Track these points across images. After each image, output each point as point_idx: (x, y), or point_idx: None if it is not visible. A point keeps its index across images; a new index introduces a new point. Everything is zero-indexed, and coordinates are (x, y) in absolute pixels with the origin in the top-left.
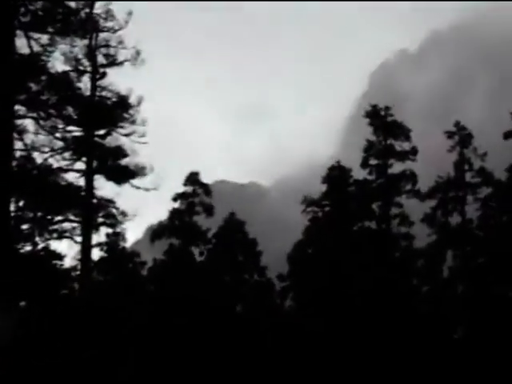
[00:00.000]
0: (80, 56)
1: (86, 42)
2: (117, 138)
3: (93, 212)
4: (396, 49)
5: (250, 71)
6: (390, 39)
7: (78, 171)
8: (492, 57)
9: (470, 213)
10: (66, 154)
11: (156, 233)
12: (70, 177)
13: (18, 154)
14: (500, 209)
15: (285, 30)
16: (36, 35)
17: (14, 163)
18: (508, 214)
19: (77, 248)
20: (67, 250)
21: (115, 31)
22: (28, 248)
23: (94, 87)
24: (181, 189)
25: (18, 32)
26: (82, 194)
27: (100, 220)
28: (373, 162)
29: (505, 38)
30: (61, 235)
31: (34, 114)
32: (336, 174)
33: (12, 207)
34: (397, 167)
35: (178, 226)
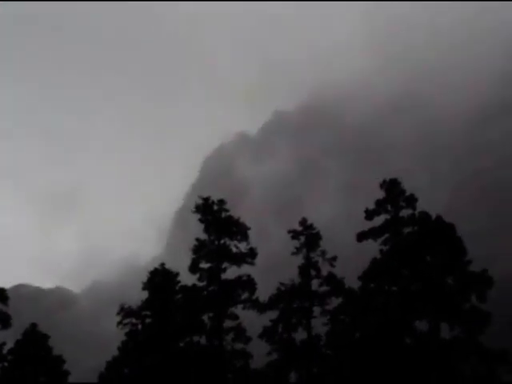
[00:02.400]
0: None
1: None
2: None
3: None
4: (234, 131)
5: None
6: (228, 120)
7: None
8: (342, 142)
9: (317, 327)
10: None
11: None
12: None
13: None
14: (352, 324)
15: (102, 113)
16: None
17: None
18: (362, 330)
19: None
20: None
21: None
22: None
23: None
24: None
25: None
26: None
27: None
28: (204, 265)
29: (355, 122)
30: None
31: None
32: (160, 280)
33: None
34: (232, 272)
35: None
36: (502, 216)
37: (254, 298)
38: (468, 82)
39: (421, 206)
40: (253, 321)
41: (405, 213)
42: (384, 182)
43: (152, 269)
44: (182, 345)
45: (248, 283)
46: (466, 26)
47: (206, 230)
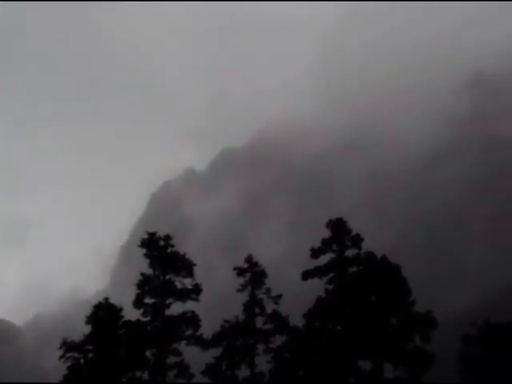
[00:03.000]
0: None
1: None
2: None
3: None
4: (182, 167)
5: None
6: (176, 156)
7: None
8: (290, 180)
9: (261, 365)
10: None
11: None
12: None
13: None
14: (296, 362)
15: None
16: None
17: None
18: (306, 369)
19: None
20: None
21: None
22: None
23: None
24: None
25: None
26: None
27: None
28: (148, 300)
29: (302, 161)
30: None
31: None
32: (103, 314)
33: None
34: (177, 307)
35: None
36: (448, 259)
37: (197, 334)
38: (417, 124)
39: (367, 246)
40: (196, 357)
41: (350, 252)
42: (330, 221)
43: (96, 303)
44: (124, 380)
45: (192, 319)
46: (416, 69)
47: (152, 266)
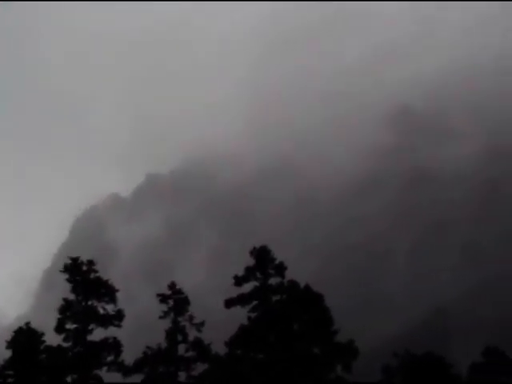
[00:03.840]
0: None
1: None
2: None
3: None
4: (107, 192)
5: None
6: (101, 181)
7: None
8: (215, 207)
9: None
10: None
11: None
12: None
13: None
14: None
15: None
16: None
17: None
18: None
19: None
20: None
21: None
22: None
23: None
24: None
25: None
26: None
27: None
28: (70, 325)
29: (228, 188)
30: None
31: None
32: (24, 339)
33: None
34: (99, 333)
35: None
36: (371, 289)
37: (119, 360)
38: (342, 156)
39: (291, 274)
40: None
41: (274, 281)
42: (254, 249)
43: (17, 328)
44: None
45: (114, 345)
46: (340, 100)
47: (74, 291)
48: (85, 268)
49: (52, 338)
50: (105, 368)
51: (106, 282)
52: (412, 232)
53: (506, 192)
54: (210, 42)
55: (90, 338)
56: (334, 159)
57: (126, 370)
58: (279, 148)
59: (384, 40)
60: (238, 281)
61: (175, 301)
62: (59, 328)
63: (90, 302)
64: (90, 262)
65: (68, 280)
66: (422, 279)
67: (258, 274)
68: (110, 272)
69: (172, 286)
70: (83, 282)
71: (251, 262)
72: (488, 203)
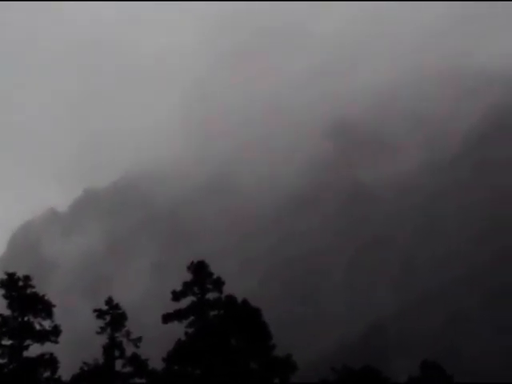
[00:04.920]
0: None
1: None
2: None
3: None
4: (44, 207)
5: None
6: (38, 196)
7: None
8: (154, 222)
9: None
10: None
11: None
12: None
13: None
14: None
15: None
16: None
17: None
18: None
19: None
20: None
21: None
22: None
23: None
24: None
25: None
26: None
27: None
28: (6, 341)
29: (167, 203)
30: None
31: None
32: None
33: None
34: (35, 349)
35: None
36: (311, 305)
37: (56, 376)
38: (279, 171)
39: (229, 289)
40: None
41: (212, 296)
42: (192, 263)
43: None
44: None
45: (50, 361)
46: (278, 115)
47: (10, 306)
48: (21, 283)
49: None
50: None
51: (43, 297)
52: (350, 247)
53: (444, 206)
54: (152, 54)
55: (26, 354)
56: (272, 174)
57: None
58: (219, 163)
59: (323, 54)
60: (176, 296)
61: (112, 316)
62: None
63: (26, 318)
64: (27, 278)
65: (4, 296)
66: (360, 294)
67: (196, 289)
68: (47, 287)
69: (109, 301)
70: (19, 298)
71: (190, 276)
72: (426, 218)
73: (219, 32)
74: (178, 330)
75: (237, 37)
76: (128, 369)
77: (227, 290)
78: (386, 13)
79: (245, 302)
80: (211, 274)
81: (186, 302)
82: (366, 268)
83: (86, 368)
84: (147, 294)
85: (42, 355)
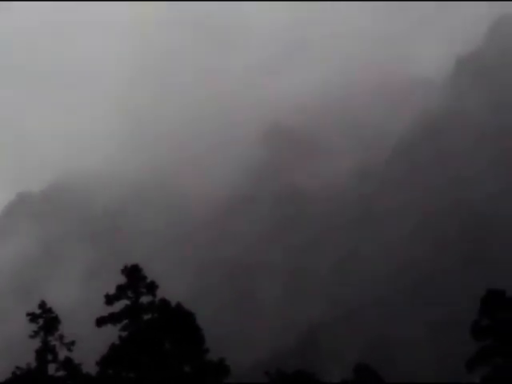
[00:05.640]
0: None
1: None
2: None
3: None
4: None
5: None
6: None
7: None
8: (88, 226)
9: None
10: None
11: None
12: None
13: None
14: None
15: None
16: None
17: None
18: None
19: None
20: None
21: None
22: None
23: None
24: None
25: None
26: None
27: None
28: None
29: (102, 208)
30: None
31: None
32: None
33: None
34: None
35: None
36: (246, 308)
37: None
38: (216, 171)
39: (164, 292)
40: None
41: (146, 299)
42: (125, 267)
43: None
44: None
45: None
46: (213, 117)
47: None
48: None
49: None
50: None
51: None
52: (284, 251)
53: (378, 208)
54: (85, 54)
55: None
56: (208, 175)
57: None
58: (155, 163)
59: (260, 56)
60: (109, 299)
61: (45, 320)
62: None
63: None
64: None
65: None
66: (295, 297)
67: (130, 293)
68: None
69: (42, 305)
70: None
71: (123, 280)
72: (360, 221)
73: (155, 33)
74: (113, 333)
75: (171, 37)
76: (61, 373)
77: (162, 292)
78: (322, 14)
79: (178, 305)
80: (145, 278)
81: (120, 305)
82: (300, 273)
83: (18, 372)
84: (82, 298)
85: None
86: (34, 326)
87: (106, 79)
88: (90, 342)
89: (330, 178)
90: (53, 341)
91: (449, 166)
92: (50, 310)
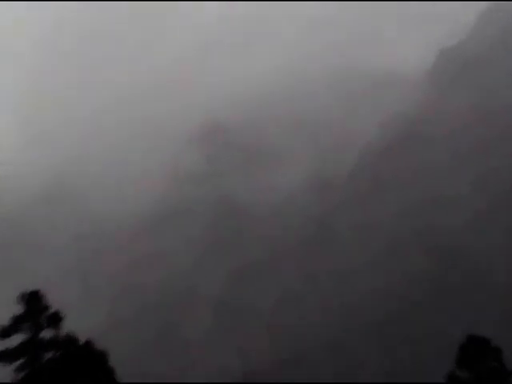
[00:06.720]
0: None
1: None
2: None
3: None
4: None
5: None
6: None
7: None
8: None
9: None
10: None
11: None
12: None
13: None
14: None
15: None
16: None
17: None
18: None
19: None
20: None
21: None
22: None
23: None
24: None
25: None
26: None
27: None
28: None
29: (8, 213)
30: None
31: None
32: None
33: None
34: None
35: None
36: (170, 338)
37: None
38: (136, 182)
39: (71, 324)
40: None
41: (48, 334)
42: (23, 295)
43: None
44: None
45: None
46: (146, 115)
47: None
48: None
49: None
50: None
51: None
52: (218, 278)
53: (336, 225)
54: None
55: None
56: (131, 184)
57: None
58: (55, 174)
59: (197, 47)
60: (6, 332)
61: None
62: None
63: None
64: None
65: None
66: (229, 335)
67: (28, 326)
68: None
69: None
70: None
71: (21, 309)
72: (315, 243)
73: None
74: (5, 375)
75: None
76: None
77: (68, 325)
78: (272, 11)
79: (88, 342)
80: (47, 308)
81: (18, 339)
82: (237, 305)
83: None
84: None
85: None
86: None
87: (7, 76)
88: None
89: (273, 191)
90: None
91: (425, 182)
92: None
